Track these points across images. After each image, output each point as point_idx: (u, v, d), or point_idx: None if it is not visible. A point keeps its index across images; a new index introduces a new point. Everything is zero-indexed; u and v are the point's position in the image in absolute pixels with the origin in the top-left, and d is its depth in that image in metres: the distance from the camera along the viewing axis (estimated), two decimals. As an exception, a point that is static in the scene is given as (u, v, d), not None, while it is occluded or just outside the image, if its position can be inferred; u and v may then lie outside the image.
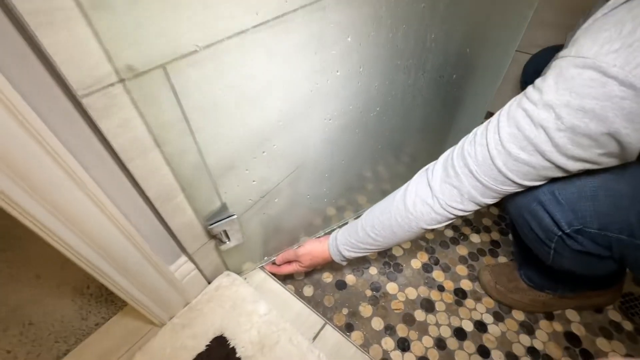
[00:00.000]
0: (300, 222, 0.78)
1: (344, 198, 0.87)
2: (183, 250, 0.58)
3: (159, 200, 0.47)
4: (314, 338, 0.64)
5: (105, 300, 0.68)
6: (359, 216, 0.61)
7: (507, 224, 0.94)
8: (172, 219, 0.50)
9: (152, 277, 0.53)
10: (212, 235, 0.59)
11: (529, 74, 0.87)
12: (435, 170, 0.49)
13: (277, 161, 0.57)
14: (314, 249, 0.66)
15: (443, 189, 0.47)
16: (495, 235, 0.92)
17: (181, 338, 0.61)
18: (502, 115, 0.41)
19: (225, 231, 0.57)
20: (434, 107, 0.74)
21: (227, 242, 0.60)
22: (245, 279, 0.73)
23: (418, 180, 0.52)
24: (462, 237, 0.91)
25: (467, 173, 0.44)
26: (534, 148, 0.38)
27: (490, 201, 0.46)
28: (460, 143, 0.47)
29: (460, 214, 0.48)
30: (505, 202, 0.53)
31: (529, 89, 0.40)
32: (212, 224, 0.55)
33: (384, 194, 0.57)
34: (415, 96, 0.65)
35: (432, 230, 0.52)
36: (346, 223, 0.90)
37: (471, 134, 0.46)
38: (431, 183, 0.49)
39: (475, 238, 0.91)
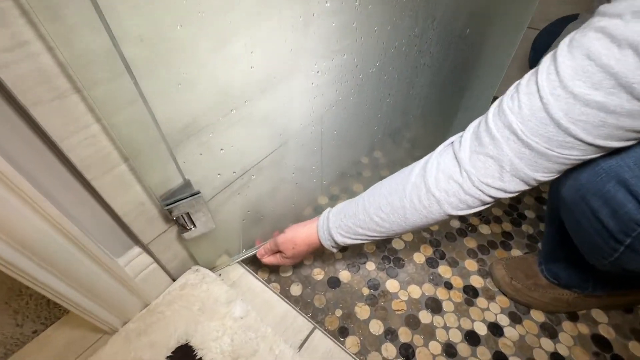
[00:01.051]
0: (288, 208, 0.67)
1: (338, 185, 0.77)
2: (135, 239, 0.46)
3: (89, 169, 0.35)
4: (301, 346, 0.53)
5: (47, 303, 0.56)
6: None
7: (519, 214, 0.85)
8: (112, 195, 0.39)
9: (91, 273, 0.42)
10: (172, 220, 0.47)
11: (539, 50, 0.77)
12: (464, 139, 0.38)
13: (252, 127, 0.46)
14: (296, 234, 0.54)
15: (474, 161, 0.36)
16: (507, 226, 0.82)
17: (136, 348, 0.49)
18: (560, 50, 0.30)
19: (188, 214, 0.46)
20: (443, 71, 0.63)
21: (192, 229, 0.48)
22: (220, 275, 0.61)
23: (441, 151, 0.41)
24: (470, 229, 0.81)
25: (509, 135, 0.33)
26: (616, 82, 0.27)
27: (543, 177, 0.35)
28: (495, 104, 0.36)
29: (500, 195, 0.37)
30: (556, 184, 0.41)
31: (599, 8, 0.29)
32: (170, 204, 0.43)
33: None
34: (422, 52, 0.54)
35: (459, 217, 0.41)
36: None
37: (510, 88, 0.35)
38: (459, 155, 0.37)
39: (484, 229, 0.81)
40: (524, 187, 0.36)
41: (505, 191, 0.36)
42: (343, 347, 0.56)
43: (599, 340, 0.62)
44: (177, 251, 0.53)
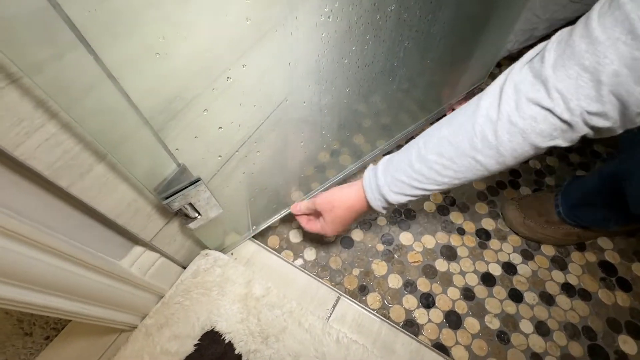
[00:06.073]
0: (294, 174, 0.61)
1: (344, 142, 0.71)
2: (135, 238, 0.41)
3: (62, 176, 0.28)
4: (329, 317, 0.52)
5: (51, 307, 0.52)
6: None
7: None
8: (98, 199, 0.32)
9: (93, 283, 0.37)
10: (174, 212, 0.42)
11: None
12: (547, 52, 0.30)
13: (250, 93, 0.38)
14: (334, 196, 0.47)
15: (562, 77, 0.29)
16: (514, 164, 0.80)
17: (161, 341, 0.47)
18: None
19: (190, 204, 0.40)
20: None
21: (198, 217, 0.43)
22: (232, 254, 0.58)
23: (515, 74, 0.33)
24: (477, 170, 0.79)
25: (619, 35, 0.25)
26: None
27: None
28: (599, 3, 0.28)
29: (600, 123, 0.29)
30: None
31: None
32: (169, 197, 0.37)
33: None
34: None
35: (545, 152, 0.34)
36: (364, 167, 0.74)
37: None
38: (543, 72, 0.30)
39: (492, 169, 0.79)
40: (618, 116, 0.29)
41: (606, 117, 0.29)
42: (370, 310, 0.56)
43: (606, 266, 0.65)
44: (184, 240, 0.49)
